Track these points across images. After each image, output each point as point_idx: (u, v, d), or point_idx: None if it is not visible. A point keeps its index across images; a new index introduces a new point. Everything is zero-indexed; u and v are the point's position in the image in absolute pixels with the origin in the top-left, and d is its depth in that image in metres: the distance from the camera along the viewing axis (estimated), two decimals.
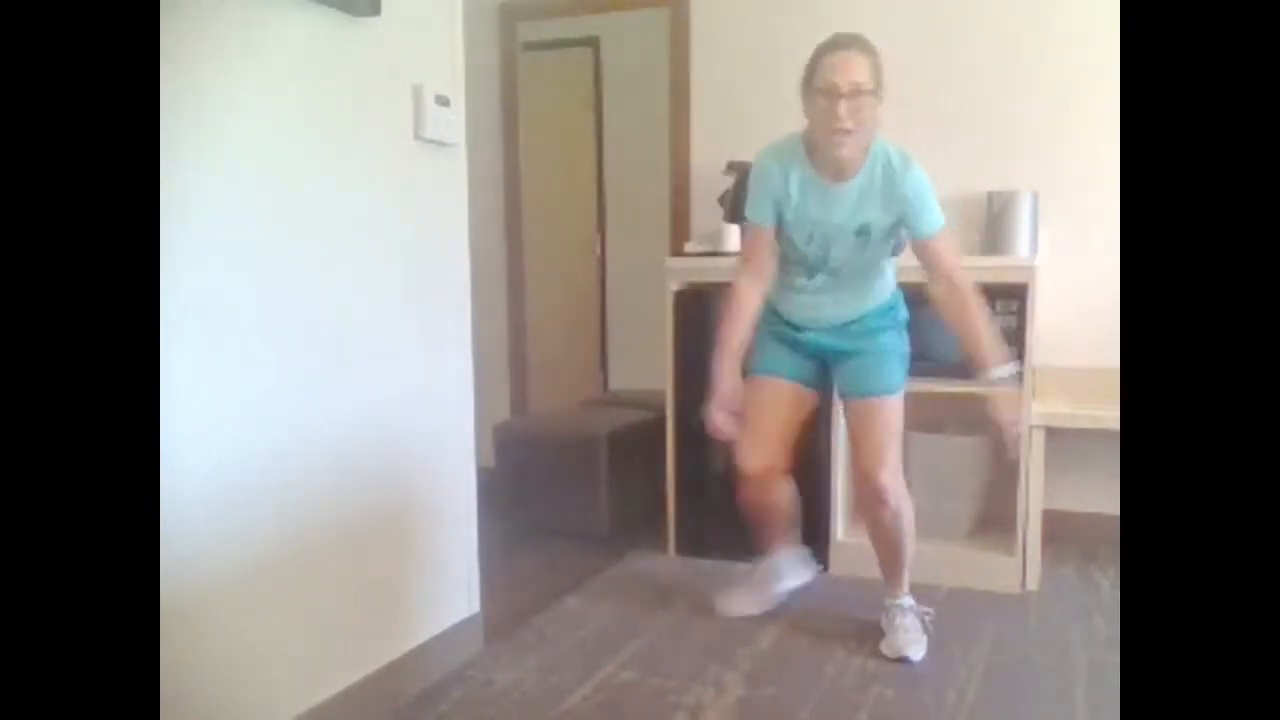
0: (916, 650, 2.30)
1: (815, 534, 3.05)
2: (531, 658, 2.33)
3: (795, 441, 2.37)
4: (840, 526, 3.06)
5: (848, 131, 2.05)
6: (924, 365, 2.98)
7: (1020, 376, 2.31)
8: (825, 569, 3.03)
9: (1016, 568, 2.84)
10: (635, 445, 3.54)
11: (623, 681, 2.21)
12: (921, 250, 2.20)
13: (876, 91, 2.09)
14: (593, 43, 4.84)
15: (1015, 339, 2.84)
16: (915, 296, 2.99)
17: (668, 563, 3.14)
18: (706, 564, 3.08)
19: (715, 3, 3.66)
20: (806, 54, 3.59)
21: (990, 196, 3.15)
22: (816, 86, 2.09)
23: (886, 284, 2.33)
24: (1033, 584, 2.83)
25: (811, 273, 2.26)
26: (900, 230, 2.23)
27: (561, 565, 3.05)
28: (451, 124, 2.34)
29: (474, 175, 2.51)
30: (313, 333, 1.96)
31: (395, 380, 2.22)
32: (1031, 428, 2.80)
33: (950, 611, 2.64)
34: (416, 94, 2.22)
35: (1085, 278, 3.14)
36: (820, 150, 2.14)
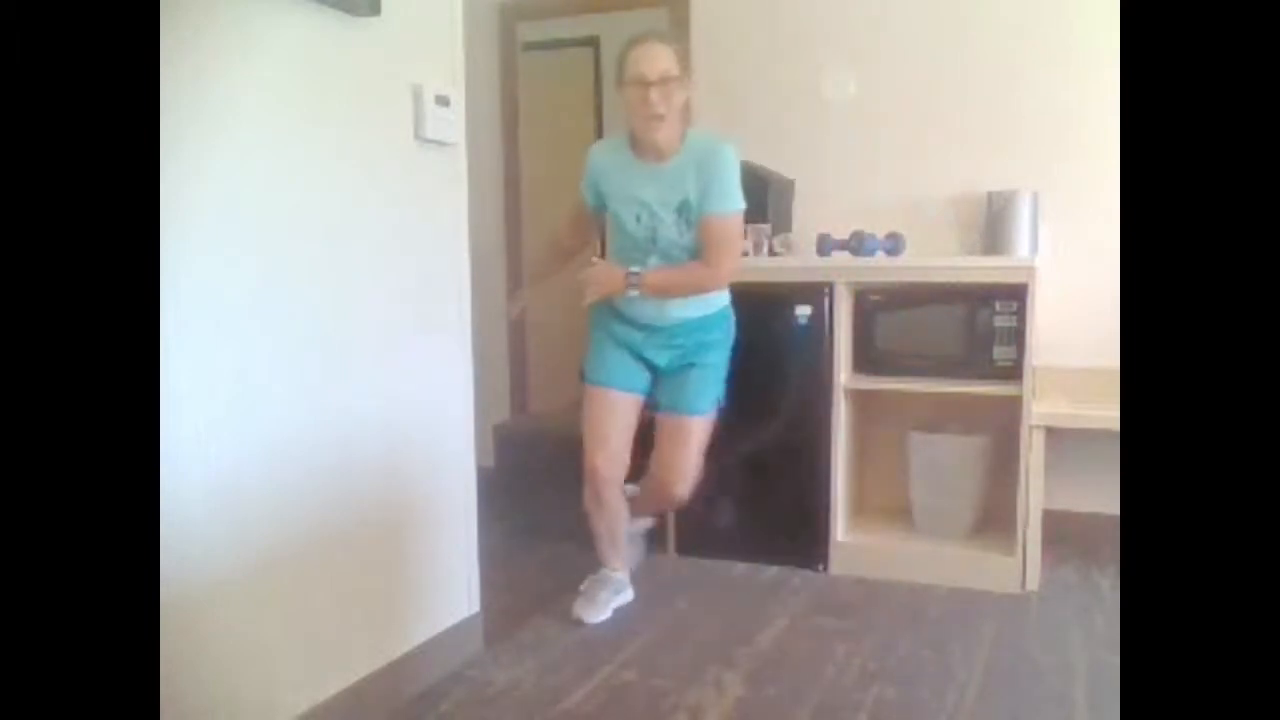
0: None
1: (815, 534, 3.05)
2: (531, 658, 2.33)
3: (631, 443, 2.57)
4: (840, 526, 3.06)
5: (660, 117, 2.27)
6: (924, 365, 2.99)
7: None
8: (825, 569, 3.04)
9: (1016, 568, 2.84)
10: (635, 445, 3.54)
11: (623, 681, 2.21)
12: (703, 226, 2.33)
13: (682, 78, 2.30)
14: (593, 43, 4.84)
15: (1015, 339, 2.84)
16: (918, 296, 3.00)
17: (668, 563, 3.14)
18: (706, 564, 3.08)
19: (715, 3, 3.66)
20: (806, 54, 3.60)
21: (990, 196, 3.15)
22: (627, 79, 2.30)
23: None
24: (1033, 584, 2.83)
25: (645, 254, 2.42)
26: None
27: (561, 565, 3.04)
28: (451, 124, 2.34)
29: (474, 175, 2.51)
30: (312, 332, 1.96)
31: (395, 380, 2.22)
32: (1031, 428, 2.80)
33: (950, 611, 2.64)
34: (416, 94, 2.22)
35: (1085, 278, 3.14)
36: (639, 137, 2.36)
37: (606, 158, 2.46)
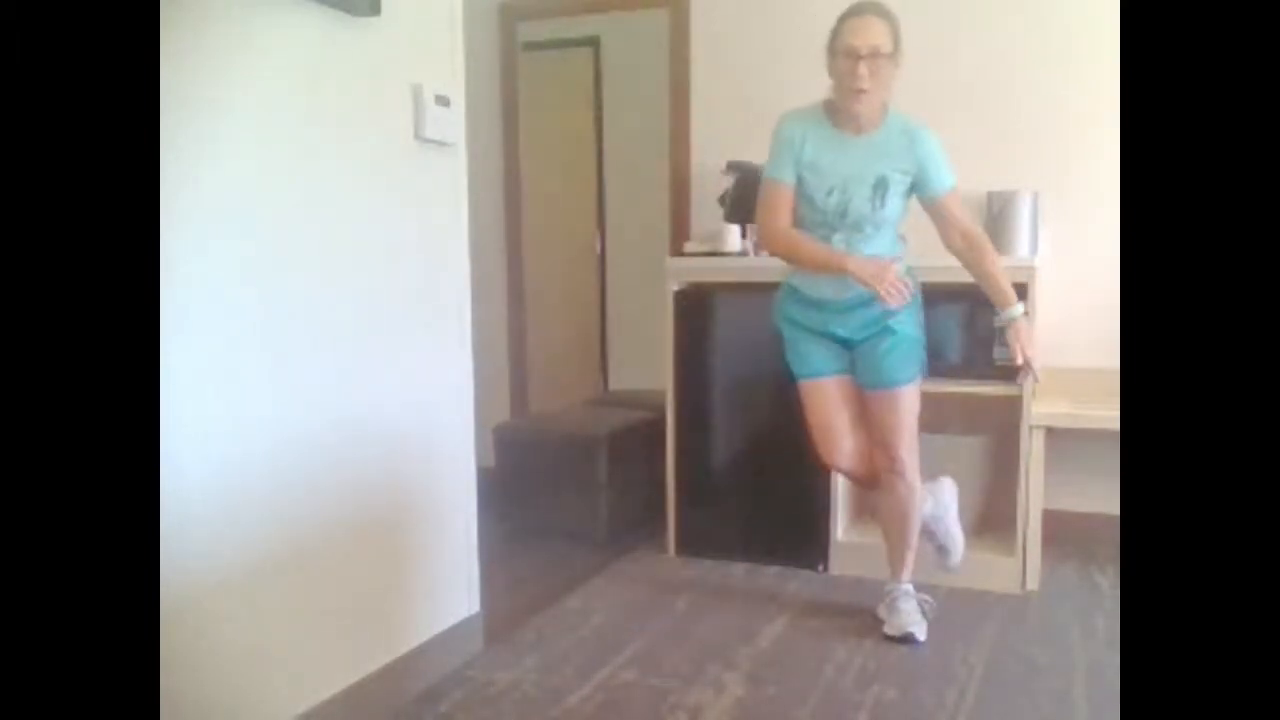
0: (920, 629, 2.43)
1: (815, 534, 3.05)
2: (531, 658, 2.33)
3: (862, 424, 2.52)
4: (840, 526, 3.06)
5: (864, 90, 2.25)
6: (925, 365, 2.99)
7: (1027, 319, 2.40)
8: (825, 569, 3.03)
9: (1016, 568, 2.84)
10: (635, 445, 3.54)
11: (623, 681, 2.21)
12: (937, 207, 2.37)
13: (894, 55, 2.27)
14: (593, 43, 4.84)
15: None
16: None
17: (668, 563, 3.14)
18: (706, 564, 3.08)
19: (715, 3, 3.65)
20: (805, 53, 3.60)
21: (990, 196, 3.14)
22: (838, 49, 2.28)
23: (901, 258, 2.44)
24: (1033, 584, 2.83)
25: (831, 231, 2.37)
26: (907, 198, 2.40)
27: (561, 565, 3.04)
28: (451, 124, 2.34)
29: (474, 175, 2.51)
30: (312, 333, 1.96)
31: (395, 380, 2.22)
32: (1031, 428, 2.79)
33: (950, 611, 2.64)
34: (416, 94, 2.22)
35: (1085, 278, 3.13)
36: (840, 108, 2.34)
37: (803, 128, 2.39)
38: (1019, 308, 2.34)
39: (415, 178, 2.26)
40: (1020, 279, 2.82)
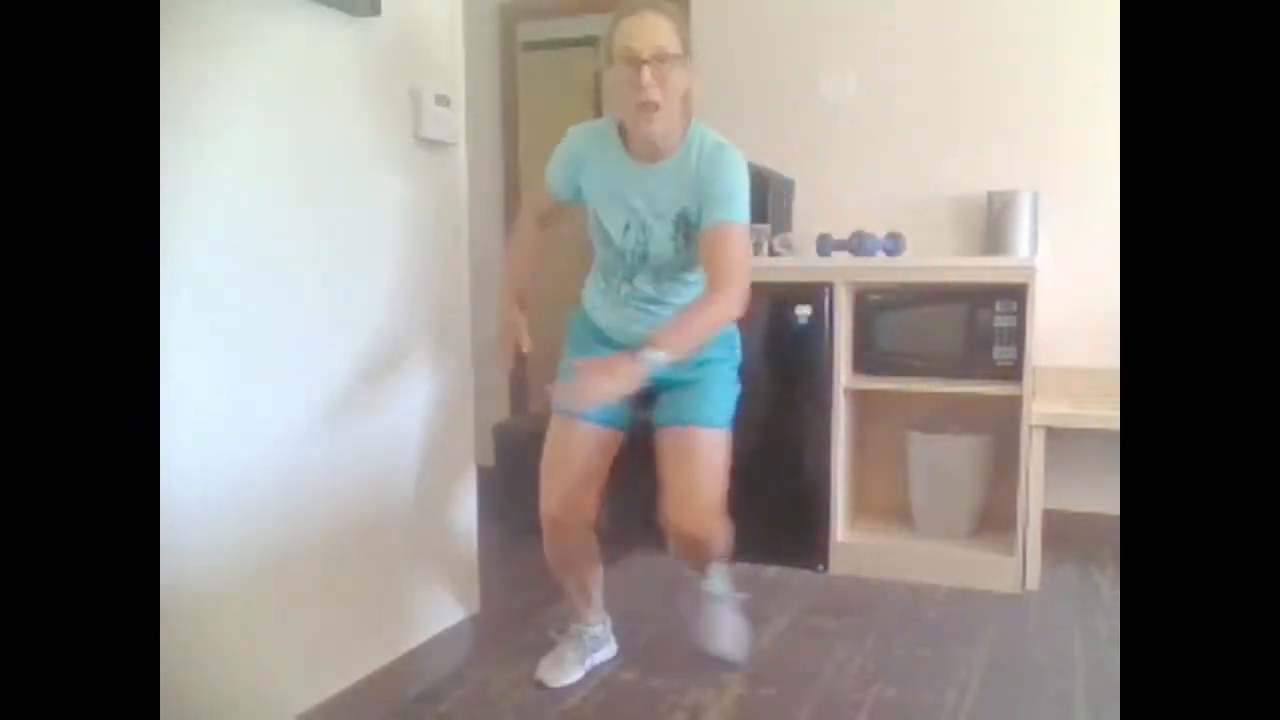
0: (736, 646, 2.19)
1: (815, 534, 3.05)
2: (531, 658, 2.33)
3: (602, 486, 2.15)
4: (840, 526, 3.06)
5: (654, 104, 1.84)
6: (924, 365, 2.99)
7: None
8: (825, 569, 3.03)
9: (1016, 568, 2.84)
10: (635, 445, 3.53)
11: (623, 681, 2.21)
12: (706, 238, 1.89)
13: (684, 57, 1.87)
14: (593, 43, 4.84)
15: (1015, 339, 2.84)
16: (918, 296, 3.00)
17: (668, 563, 3.14)
18: None
19: (715, 3, 3.66)
20: (806, 54, 3.58)
21: (990, 196, 3.15)
22: (615, 54, 1.86)
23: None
24: (1033, 584, 2.83)
25: (631, 274, 2.03)
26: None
27: None
28: (451, 124, 2.34)
29: (474, 175, 2.51)
30: (312, 333, 1.96)
31: (395, 380, 2.22)
32: (1031, 428, 2.80)
33: (950, 611, 2.64)
34: (416, 94, 2.22)
35: (1085, 278, 3.14)
36: (630, 129, 1.94)
37: (589, 146, 2.01)
38: (654, 356, 1.79)
39: (415, 178, 2.26)
40: (1020, 279, 2.82)
